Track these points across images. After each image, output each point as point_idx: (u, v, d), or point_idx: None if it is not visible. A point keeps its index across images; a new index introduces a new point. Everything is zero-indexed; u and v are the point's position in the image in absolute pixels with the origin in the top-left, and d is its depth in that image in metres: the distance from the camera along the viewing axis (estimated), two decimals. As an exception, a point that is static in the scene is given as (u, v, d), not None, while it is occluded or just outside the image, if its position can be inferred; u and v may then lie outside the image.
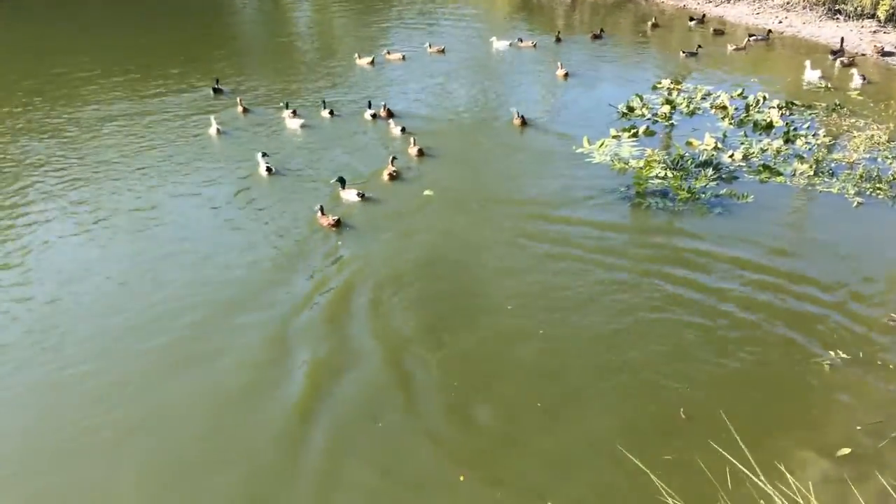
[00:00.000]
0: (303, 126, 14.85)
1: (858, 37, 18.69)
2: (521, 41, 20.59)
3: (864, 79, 16.11)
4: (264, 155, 13.00)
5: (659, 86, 16.38)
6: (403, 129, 14.37)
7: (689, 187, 11.52)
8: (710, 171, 12.01)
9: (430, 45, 20.24)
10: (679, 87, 16.18)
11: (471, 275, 9.68)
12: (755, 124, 13.96)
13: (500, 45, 20.52)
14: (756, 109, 14.60)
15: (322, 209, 11.04)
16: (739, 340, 8.18)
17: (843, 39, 18.18)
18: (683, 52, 18.68)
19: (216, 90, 17.02)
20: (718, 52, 19.09)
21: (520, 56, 19.69)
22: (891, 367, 7.67)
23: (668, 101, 15.16)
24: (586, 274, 9.51)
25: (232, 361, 8.10)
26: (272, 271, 9.81)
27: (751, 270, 9.43)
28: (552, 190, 11.86)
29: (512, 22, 24.39)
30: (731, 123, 14.12)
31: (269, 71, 19.52)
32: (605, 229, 10.61)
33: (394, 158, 12.72)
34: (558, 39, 20.65)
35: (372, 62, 19.03)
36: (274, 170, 12.82)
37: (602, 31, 20.97)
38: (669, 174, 11.94)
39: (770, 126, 13.85)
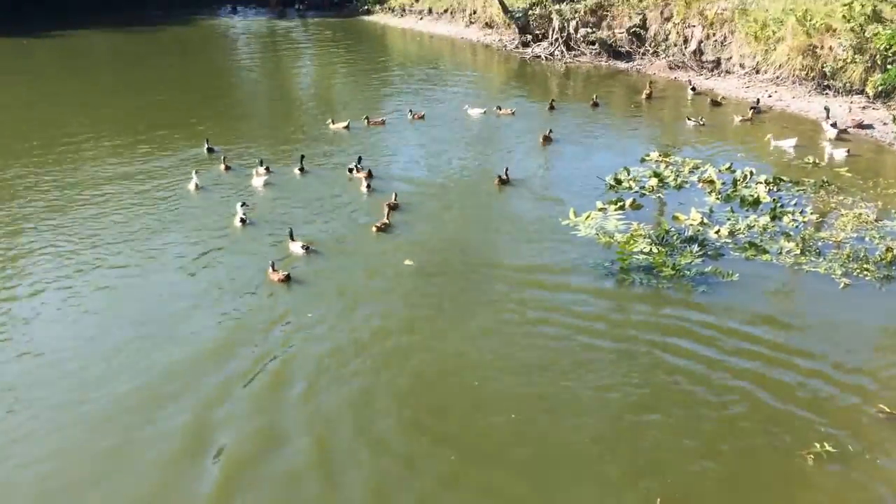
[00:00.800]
0: (266, 184, 15.10)
1: (848, 112, 18.80)
2: (500, 108, 20.59)
3: (848, 152, 16.16)
4: (243, 205, 13.36)
5: (647, 158, 16.37)
6: (369, 187, 14.78)
7: (674, 264, 11.33)
8: (695, 248, 11.85)
9: (410, 112, 20.31)
10: (668, 159, 16.17)
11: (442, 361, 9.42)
12: (742, 200, 13.87)
13: (473, 112, 20.55)
14: (743, 185, 14.53)
15: (273, 265, 11.23)
16: (720, 429, 7.88)
17: (828, 109, 18.28)
18: (690, 119, 18.72)
19: (209, 150, 17.27)
20: (722, 122, 19.16)
21: (508, 124, 19.75)
22: (877, 462, 7.35)
23: (656, 174, 15.10)
24: (563, 351, 9.27)
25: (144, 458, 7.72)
26: (213, 346, 9.63)
27: (733, 355, 9.18)
28: (536, 264, 11.68)
29: (507, 90, 24.60)
30: (718, 198, 14.02)
31: (261, 132, 19.59)
32: (586, 306, 10.41)
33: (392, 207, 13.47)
34: (552, 107, 20.72)
35: (347, 127, 19.14)
36: (248, 221, 13.14)
37: (597, 98, 21.12)
38: (654, 249, 11.77)
39: (757, 202, 13.76)
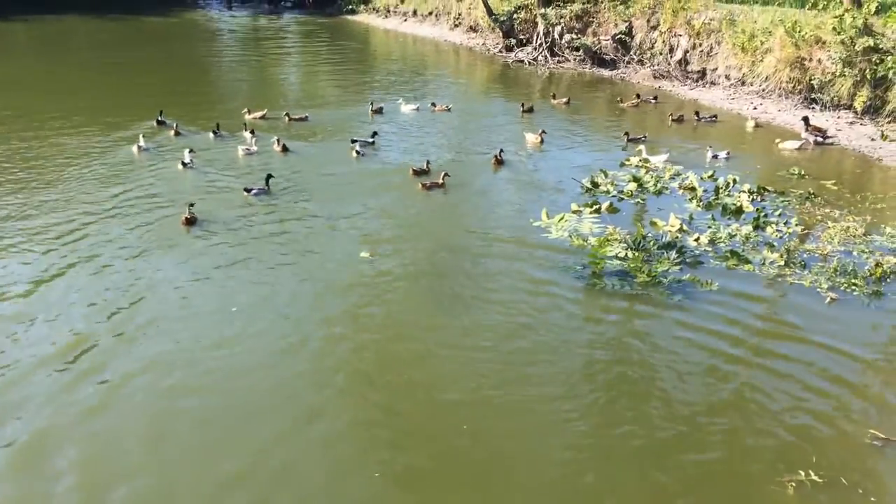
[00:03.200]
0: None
1: (835, 128, 18.21)
2: (435, 105, 20.13)
3: (800, 148, 16.55)
4: (191, 151, 14.91)
5: (627, 163, 15.64)
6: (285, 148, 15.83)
7: (650, 270, 10.53)
8: (673, 254, 11.05)
9: (372, 104, 19.74)
10: (648, 164, 15.44)
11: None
12: (724, 208, 13.14)
13: (406, 108, 19.95)
14: (726, 193, 13.81)
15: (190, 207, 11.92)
16: (687, 449, 7.05)
17: (807, 118, 17.69)
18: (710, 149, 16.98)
19: (160, 122, 17.34)
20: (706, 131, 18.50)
21: (490, 124, 18.98)
22: (870, 496, 6.53)
23: (635, 179, 14.36)
24: (524, 358, 8.41)
25: None
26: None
27: (709, 371, 8.37)
28: (502, 266, 10.85)
29: (488, 91, 23.87)
30: (699, 206, 13.29)
31: (220, 112, 18.66)
32: (554, 311, 9.58)
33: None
34: (530, 110, 20.00)
35: (263, 117, 18.61)
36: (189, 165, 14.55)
37: (562, 98, 21.01)
38: (630, 254, 10.96)
39: (740, 211, 13.03)
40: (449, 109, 19.97)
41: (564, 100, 21.38)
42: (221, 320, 9.16)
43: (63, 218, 12.12)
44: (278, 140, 16.15)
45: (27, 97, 20.94)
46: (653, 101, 21.51)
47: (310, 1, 44.03)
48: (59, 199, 13.00)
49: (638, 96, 21.45)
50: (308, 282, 10.24)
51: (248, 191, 13.37)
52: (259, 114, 18.64)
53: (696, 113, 19.57)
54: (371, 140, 16.60)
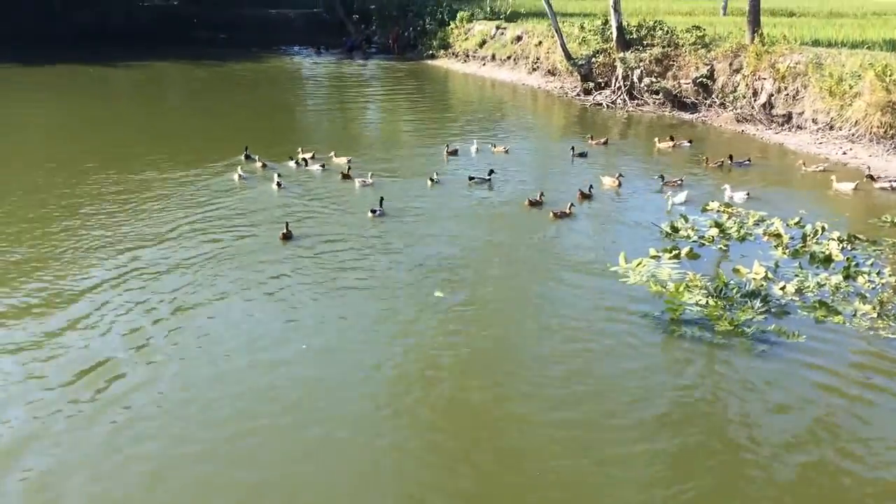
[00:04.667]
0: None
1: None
2: (494, 146, 20.23)
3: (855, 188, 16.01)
4: (279, 176, 16.62)
5: (708, 208, 15.31)
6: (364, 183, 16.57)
7: (732, 319, 10.23)
8: (757, 303, 10.72)
9: (447, 146, 19.98)
10: (730, 210, 15.08)
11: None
12: (812, 256, 12.69)
13: (473, 149, 20.07)
14: (814, 240, 13.34)
15: (287, 226, 13.19)
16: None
17: (871, 176, 17.04)
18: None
19: (247, 157, 18.36)
20: (789, 177, 17.99)
21: (578, 164, 18.96)
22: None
23: (717, 224, 14.04)
24: (602, 405, 8.27)
25: None
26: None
27: (792, 428, 8.03)
28: (577, 309, 10.77)
29: (566, 133, 23.84)
30: (784, 253, 12.88)
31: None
32: (630, 359, 9.40)
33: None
34: (581, 154, 19.80)
35: (312, 157, 18.62)
36: (283, 185, 16.24)
37: (607, 140, 21.19)
38: (710, 302, 10.69)
39: (829, 260, 12.55)
40: (506, 152, 19.99)
41: (602, 140, 21.27)
42: (292, 359, 9.37)
43: (182, 234, 13.53)
44: (371, 175, 16.91)
45: (128, 135, 22.15)
46: (687, 143, 21.12)
47: (394, 47, 45.27)
48: (170, 219, 14.29)
49: (672, 138, 21.11)
50: (386, 321, 10.37)
51: (374, 212, 14.50)
52: (308, 154, 18.82)
53: (730, 157, 19.08)
54: (488, 177, 17.01)
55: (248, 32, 49.68)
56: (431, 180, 16.95)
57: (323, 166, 17.82)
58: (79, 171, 17.37)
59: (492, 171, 17.23)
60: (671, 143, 20.97)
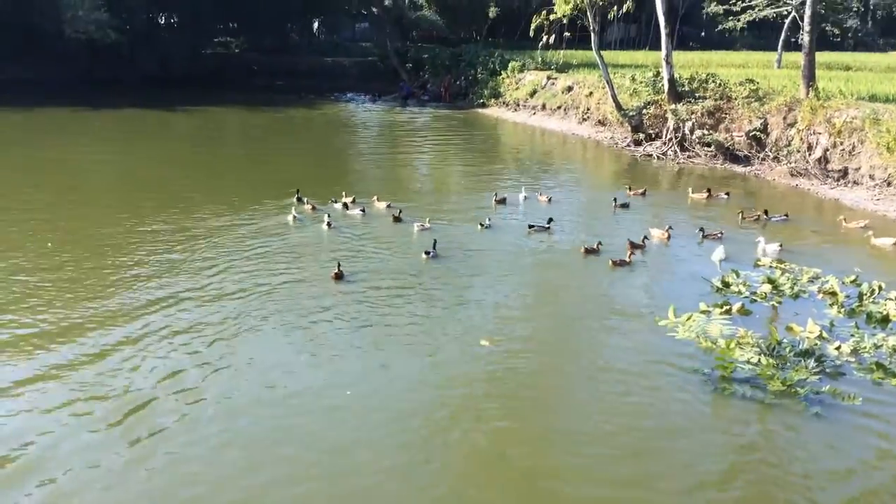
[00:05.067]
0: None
1: None
2: (541, 195, 20.43)
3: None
4: (329, 216, 17.33)
5: (760, 263, 15.07)
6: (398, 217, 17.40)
7: (785, 378, 10.00)
8: (811, 363, 10.46)
9: (496, 194, 20.17)
10: (783, 266, 14.82)
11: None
12: (869, 316, 12.35)
13: (502, 196, 20.07)
14: (871, 300, 13.00)
15: (339, 265, 13.55)
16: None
17: None
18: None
19: (298, 199, 18.83)
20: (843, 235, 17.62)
21: (625, 214, 18.92)
22: None
23: (770, 280, 13.79)
24: (651, 464, 8.12)
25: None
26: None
27: (853, 489, 7.77)
28: (623, 363, 10.66)
29: (616, 184, 23.78)
30: (840, 312, 12.57)
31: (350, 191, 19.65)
32: (678, 416, 9.24)
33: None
34: (624, 206, 19.89)
35: (353, 201, 18.87)
36: (333, 225, 16.83)
37: (645, 191, 21.07)
38: (762, 360, 10.47)
39: (886, 320, 12.19)
40: (549, 201, 20.10)
41: (641, 191, 21.20)
42: (336, 405, 9.44)
43: (235, 271, 13.96)
44: (428, 220, 17.21)
45: (186, 176, 22.86)
46: (725, 195, 20.99)
47: (446, 95, 46.10)
48: (224, 256, 14.73)
49: (708, 190, 20.95)
50: (430, 370, 10.40)
51: (427, 254, 14.83)
52: (349, 199, 19.13)
53: (765, 211, 18.84)
54: (547, 225, 17.29)
55: (304, 79, 51.23)
56: (482, 225, 17.24)
57: (363, 210, 18.21)
58: (139, 210, 17.96)
59: (551, 220, 17.46)
60: (705, 195, 20.87)
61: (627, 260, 14.98)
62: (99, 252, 14.81)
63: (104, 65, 45.04)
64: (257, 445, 8.45)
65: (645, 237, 16.20)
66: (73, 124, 32.96)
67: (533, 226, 17.33)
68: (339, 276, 13.49)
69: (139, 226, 16.65)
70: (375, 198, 19.30)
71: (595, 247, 15.63)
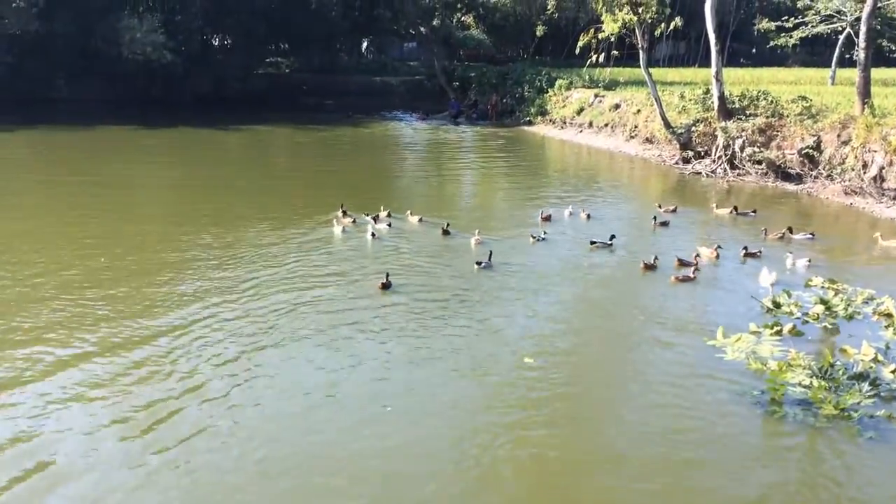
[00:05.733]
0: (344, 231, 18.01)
1: None
2: (583, 211, 20.44)
3: None
4: (373, 226, 18.10)
5: (812, 283, 14.72)
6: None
7: (838, 402, 9.73)
8: (865, 386, 10.15)
9: (542, 212, 20.16)
10: (836, 286, 14.45)
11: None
12: (927, 338, 11.98)
13: (547, 214, 20.05)
14: (929, 322, 12.59)
15: (387, 276, 13.91)
16: None
17: None
18: None
19: (344, 213, 19.14)
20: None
21: (662, 233, 18.71)
22: None
23: (823, 301, 13.44)
24: (697, 488, 7.98)
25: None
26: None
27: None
28: (670, 383, 10.50)
29: (664, 203, 23.52)
30: (896, 334, 12.22)
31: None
32: (728, 440, 9.07)
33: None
34: (664, 224, 19.70)
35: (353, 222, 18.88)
36: (377, 235, 17.39)
37: (676, 208, 20.96)
38: (814, 383, 10.21)
39: (945, 343, 11.81)
40: (588, 217, 20.09)
41: (672, 208, 21.07)
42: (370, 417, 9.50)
43: (281, 282, 14.35)
44: (478, 231, 17.49)
45: (235, 193, 23.34)
46: (752, 213, 20.75)
47: (492, 113, 46.28)
48: (268, 268, 15.10)
49: (735, 209, 20.61)
50: (474, 387, 10.39)
51: (479, 264, 15.17)
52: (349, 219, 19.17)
53: (790, 228, 18.50)
54: (609, 242, 17.32)
55: (353, 98, 51.94)
56: (533, 237, 17.51)
57: (389, 225, 18.60)
58: (191, 224, 18.46)
59: (613, 237, 17.46)
60: (729, 211, 20.79)
61: (692, 276, 14.99)
62: (152, 266, 15.20)
63: (159, 85, 46.36)
64: (292, 459, 8.52)
65: (697, 254, 16.15)
66: (129, 142, 34.00)
67: (595, 242, 17.29)
68: (385, 286, 13.72)
69: (192, 240, 17.04)
70: (409, 212, 19.58)
71: (653, 262, 15.67)
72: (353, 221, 18.76)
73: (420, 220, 19.07)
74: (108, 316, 12.42)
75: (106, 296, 13.36)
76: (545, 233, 17.97)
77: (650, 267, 15.66)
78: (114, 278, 14.29)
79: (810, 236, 18.38)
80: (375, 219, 18.93)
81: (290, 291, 13.71)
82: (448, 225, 17.91)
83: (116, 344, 11.36)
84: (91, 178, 25.13)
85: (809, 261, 15.80)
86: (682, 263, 15.64)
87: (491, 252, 15.62)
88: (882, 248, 17.58)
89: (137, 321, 12.21)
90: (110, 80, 45.25)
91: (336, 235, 17.63)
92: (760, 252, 16.70)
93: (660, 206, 21.23)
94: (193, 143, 35.02)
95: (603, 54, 32.87)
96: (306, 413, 9.53)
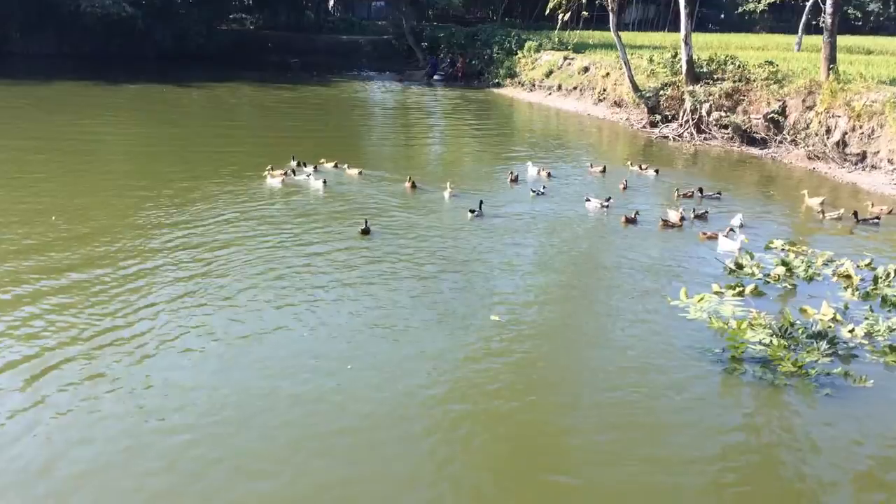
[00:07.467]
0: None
1: None
2: (592, 166, 21.24)
3: None
4: (325, 183, 17.86)
5: (772, 245, 14.91)
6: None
7: (796, 360, 9.89)
8: (823, 345, 10.33)
9: (511, 173, 20.06)
10: (795, 248, 14.65)
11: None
12: (884, 299, 12.21)
13: (516, 174, 19.97)
14: (886, 283, 12.83)
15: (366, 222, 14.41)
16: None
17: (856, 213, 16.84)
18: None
19: (299, 163, 19.65)
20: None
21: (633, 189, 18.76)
22: None
23: (784, 263, 13.63)
24: (657, 443, 8.07)
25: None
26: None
27: (861, 474, 7.69)
28: (632, 344, 10.57)
29: (630, 164, 23.57)
30: (854, 295, 12.43)
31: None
32: (685, 393, 9.18)
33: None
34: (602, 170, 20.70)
35: (287, 174, 18.72)
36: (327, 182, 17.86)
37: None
38: (774, 341, 10.36)
39: (902, 303, 12.06)
40: (549, 176, 20.29)
41: (600, 168, 21.44)
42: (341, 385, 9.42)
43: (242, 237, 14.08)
44: (449, 183, 17.80)
45: (195, 150, 22.82)
46: (654, 172, 21.26)
47: (460, 75, 45.82)
48: (237, 218, 15.26)
49: (701, 190, 18.99)
50: (440, 348, 10.35)
51: (472, 212, 15.89)
52: (279, 172, 18.86)
53: (700, 189, 18.85)
54: (606, 203, 17.44)
55: (319, 57, 51.02)
56: (533, 192, 18.30)
57: (308, 175, 18.50)
58: (150, 181, 18.04)
59: (609, 198, 17.66)
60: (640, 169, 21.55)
61: (678, 223, 16.11)
62: (110, 223, 14.82)
63: (119, 40, 45.03)
64: (268, 415, 8.44)
65: (637, 212, 16.61)
66: (87, 98, 32.98)
67: (589, 199, 17.74)
68: (365, 232, 14.23)
69: (150, 195, 16.64)
70: (347, 165, 19.72)
71: (633, 216, 16.26)
72: (286, 173, 18.57)
73: (360, 172, 19.25)
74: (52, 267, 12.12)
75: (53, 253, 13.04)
76: (544, 187, 18.53)
77: (630, 221, 16.18)
78: (64, 238, 13.89)
79: (717, 195, 18.82)
80: (316, 168, 19.18)
81: (243, 243, 13.59)
82: (412, 182, 18.28)
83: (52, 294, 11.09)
84: (48, 132, 24.39)
85: (741, 224, 16.15)
86: (628, 220, 16.25)
87: (481, 201, 16.27)
88: (806, 205, 17.95)
89: (100, 269, 11.94)
90: (67, 33, 43.83)
91: (273, 187, 17.86)
92: (707, 212, 17.15)
93: (591, 166, 21.69)
94: (153, 99, 34.11)
95: (572, 16, 32.60)
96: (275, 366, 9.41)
